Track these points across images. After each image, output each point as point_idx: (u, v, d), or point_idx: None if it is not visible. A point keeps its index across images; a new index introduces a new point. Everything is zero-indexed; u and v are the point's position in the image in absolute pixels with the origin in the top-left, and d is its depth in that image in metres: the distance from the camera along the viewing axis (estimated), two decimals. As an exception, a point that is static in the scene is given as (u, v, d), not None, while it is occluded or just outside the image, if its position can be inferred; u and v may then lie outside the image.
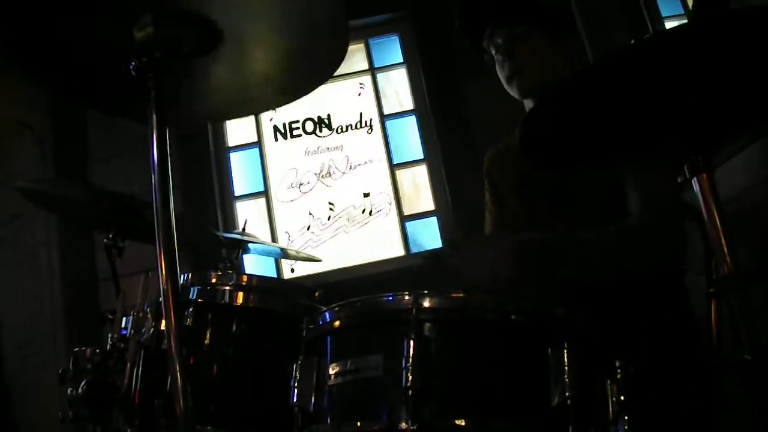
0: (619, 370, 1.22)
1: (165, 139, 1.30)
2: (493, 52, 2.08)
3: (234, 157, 3.98)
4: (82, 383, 1.82)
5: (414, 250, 3.70)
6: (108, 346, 1.91)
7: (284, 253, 3.44)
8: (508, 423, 1.15)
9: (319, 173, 3.87)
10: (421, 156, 3.84)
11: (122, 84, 1.33)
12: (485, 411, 1.16)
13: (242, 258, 3.37)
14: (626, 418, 1.18)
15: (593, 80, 1.19)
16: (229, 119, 3.60)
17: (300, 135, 3.95)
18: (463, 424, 1.13)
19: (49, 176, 3.84)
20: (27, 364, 3.63)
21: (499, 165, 2.26)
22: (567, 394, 1.13)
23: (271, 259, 3.75)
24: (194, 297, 1.75)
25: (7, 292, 3.95)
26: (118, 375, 1.84)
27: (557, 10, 2.14)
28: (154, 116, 1.29)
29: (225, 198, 3.89)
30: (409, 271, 3.53)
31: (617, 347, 1.27)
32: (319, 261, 3.30)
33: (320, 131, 3.93)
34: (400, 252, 3.72)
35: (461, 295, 1.27)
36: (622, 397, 1.19)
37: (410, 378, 1.14)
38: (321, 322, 1.38)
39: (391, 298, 1.28)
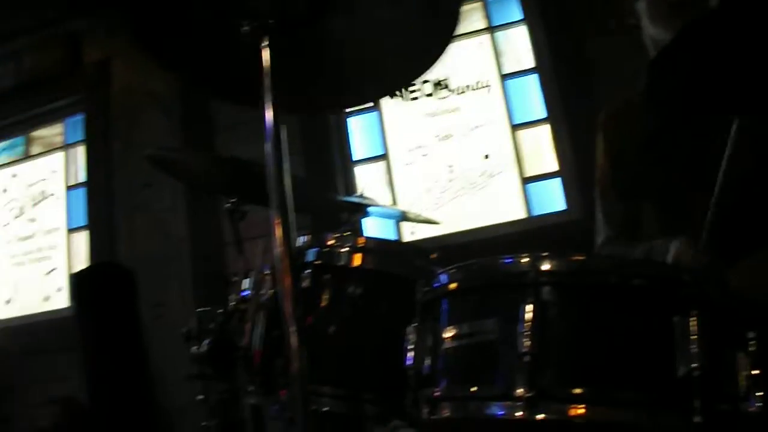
0: (752, 342, 1.14)
1: (278, 107, 1.32)
2: None
3: (353, 122, 4.00)
4: (205, 342, 1.88)
5: (535, 212, 3.62)
6: (230, 307, 1.97)
7: (404, 216, 3.43)
8: (629, 393, 1.09)
9: (438, 136, 3.83)
10: (542, 115, 3.73)
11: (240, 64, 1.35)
12: (605, 379, 1.10)
13: (362, 222, 3.39)
14: (759, 393, 1.10)
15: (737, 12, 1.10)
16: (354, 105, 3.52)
17: (418, 98, 3.91)
18: (582, 392, 1.09)
19: (177, 145, 3.98)
20: (160, 323, 3.81)
21: (619, 124, 2.10)
22: (694, 365, 1.06)
23: (391, 223, 3.76)
24: (312, 259, 1.77)
25: (141, 255, 4.15)
26: (240, 335, 1.89)
27: None
28: (267, 83, 1.30)
29: (345, 162, 3.92)
30: (530, 234, 3.46)
31: (751, 317, 1.19)
32: (439, 224, 3.27)
33: (439, 93, 3.89)
34: (521, 215, 3.64)
35: (582, 258, 1.21)
36: (754, 371, 1.11)
37: (527, 343, 1.10)
38: (437, 285, 1.35)
39: (509, 260, 1.23)
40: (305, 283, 1.72)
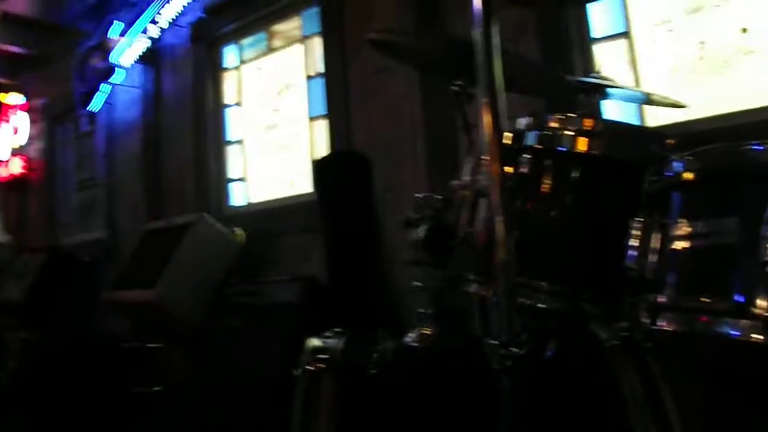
0: None
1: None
2: None
3: (595, -4, 3.69)
4: (423, 228, 1.84)
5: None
6: (450, 193, 1.91)
7: (647, 99, 3.14)
8: None
9: (687, 8, 3.43)
10: (816, -21, 3.20)
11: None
12: None
13: (601, 104, 3.17)
14: None
15: None
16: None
17: (665, -35, 3.51)
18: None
19: (408, 28, 3.92)
20: (392, 207, 3.87)
21: None
22: None
23: (633, 106, 3.48)
24: (532, 143, 1.64)
25: (376, 140, 4.21)
26: (460, 221, 1.83)
27: None
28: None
29: (583, 41, 3.65)
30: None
31: None
32: (686, 107, 2.96)
33: (689, -42, 3.46)
34: (786, 98, 3.21)
35: None
36: None
37: (773, 251, 0.92)
38: (669, 173, 1.18)
39: (759, 147, 1.04)
40: (524, 169, 1.60)
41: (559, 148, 1.61)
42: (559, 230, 1.56)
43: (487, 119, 1.17)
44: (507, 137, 1.61)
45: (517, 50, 3.20)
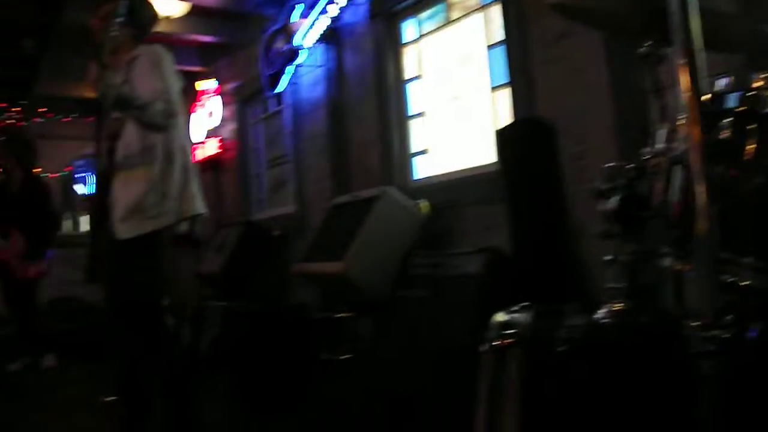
0: None
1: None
2: None
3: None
4: (613, 199, 1.75)
5: None
6: (642, 161, 1.80)
7: None
8: None
9: None
10: None
11: None
12: None
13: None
14: None
15: None
16: None
17: None
18: None
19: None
20: (579, 176, 3.74)
21: None
22: None
23: None
24: (734, 105, 1.51)
25: (561, 107, 4.08)
26: (653, 192, 1.72)
27: None
28: None
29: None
30: None
31: None
32: None
33: None
34: None
35: None
36: None
37: None
38: None
39: None
40: (725, 134, 1.49)
41: (765, 110, 1.48)
42: (766, 200, 1.43)
43: (684, 80, 1.09)
44: (705, 100, 1.50)
45: (712, 3, 2.98)
